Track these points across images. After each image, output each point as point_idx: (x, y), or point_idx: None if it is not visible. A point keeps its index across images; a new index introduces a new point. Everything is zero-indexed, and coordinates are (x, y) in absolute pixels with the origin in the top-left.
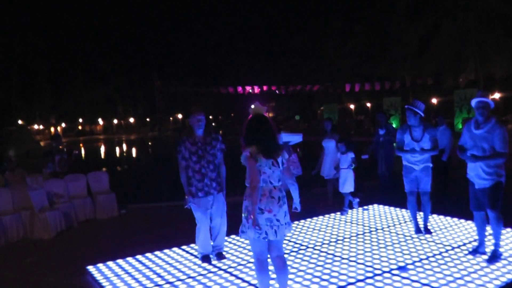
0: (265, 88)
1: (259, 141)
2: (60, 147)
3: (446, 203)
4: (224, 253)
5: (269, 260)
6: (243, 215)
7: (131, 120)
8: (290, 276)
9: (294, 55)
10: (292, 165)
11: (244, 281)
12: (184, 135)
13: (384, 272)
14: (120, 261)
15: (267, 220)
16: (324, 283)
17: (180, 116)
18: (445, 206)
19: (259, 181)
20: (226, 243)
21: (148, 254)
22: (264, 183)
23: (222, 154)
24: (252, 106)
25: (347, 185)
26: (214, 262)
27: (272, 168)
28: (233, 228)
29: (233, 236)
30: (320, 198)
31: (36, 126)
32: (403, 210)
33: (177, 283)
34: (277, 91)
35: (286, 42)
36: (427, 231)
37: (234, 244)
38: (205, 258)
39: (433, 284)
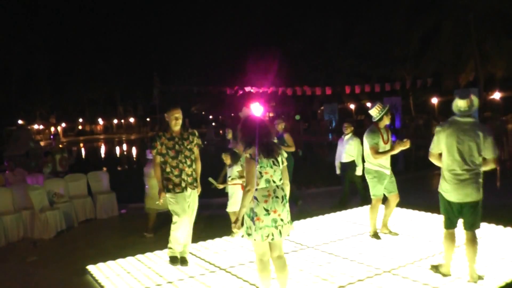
0: (264, 88)
1: (257, 141)
2: (60, 145)
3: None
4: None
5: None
6: (248, 217)
7: (131, 120)
8: (290, 276)
9: (295, 55)
10: None
11: (244, 281)
12: (160, 131)
13: (384, 272)
14: (120, 261)
15: (273, 221)
16: (324, 283)
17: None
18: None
19: (254, 185)
20: (226, 243)
21: (148, 254)
22: (267, 183)
23: (199, 149)
24: (241, 112)
25: (231, 203)
26: (213, 262)
27: (273, 167)
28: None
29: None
30: (317, 199)
31: (36, 126)
32: (404, 210)
33: (177, 283)
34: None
35: (286, 42)
36: None
37: (234, 244)
38: (174, 260)
39: (433, 284)
